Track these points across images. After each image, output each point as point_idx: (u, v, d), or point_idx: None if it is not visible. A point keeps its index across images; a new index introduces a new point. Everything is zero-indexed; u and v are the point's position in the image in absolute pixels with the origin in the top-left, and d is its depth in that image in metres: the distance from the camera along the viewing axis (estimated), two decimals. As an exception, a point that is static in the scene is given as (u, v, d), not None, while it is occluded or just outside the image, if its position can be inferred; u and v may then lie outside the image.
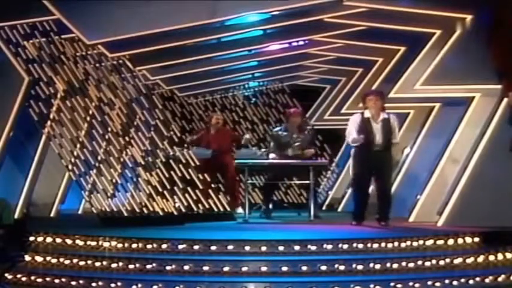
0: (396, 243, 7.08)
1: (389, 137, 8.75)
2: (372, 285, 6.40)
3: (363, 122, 8.79)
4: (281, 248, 6.91)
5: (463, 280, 6.67)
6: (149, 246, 7.06)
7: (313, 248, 6.95)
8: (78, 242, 7.37)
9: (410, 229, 8.27)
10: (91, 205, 9.29)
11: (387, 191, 8.85)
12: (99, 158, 9.32)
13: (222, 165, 10.91)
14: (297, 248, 6.92)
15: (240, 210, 10.63)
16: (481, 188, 8.64)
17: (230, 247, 6.93)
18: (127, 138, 9.42)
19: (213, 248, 6.94)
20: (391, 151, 8.87)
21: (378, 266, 6.68)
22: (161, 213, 9.09)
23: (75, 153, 9.36)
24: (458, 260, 6.97)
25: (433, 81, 9.34)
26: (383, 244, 7.05)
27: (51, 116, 9.57)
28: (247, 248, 6.91)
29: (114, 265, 6.82)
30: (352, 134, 8.84)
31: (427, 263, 6.85)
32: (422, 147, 10.27)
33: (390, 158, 8.90)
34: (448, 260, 6.93)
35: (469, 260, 7.02)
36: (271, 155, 10.29)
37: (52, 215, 11.00)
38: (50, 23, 9.86)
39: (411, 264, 6.78)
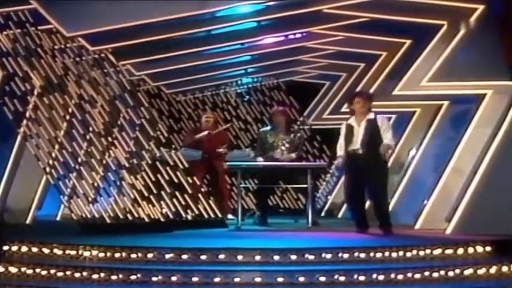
0: (401, 253, 7.07)
1: (374, 139, 8.65)
2: (374, 298, 6.41)
3: (347, 130, 8.84)
4: (276, 257, 6.89)
5: (473, 292, 6.67)
6: (134, 255, 7.04)
7: (311, 257, 6.93)
8: (56, 251, 7.33)
9: (416, 237, 8.29)
10: (70, 211, 9.26)
11: (379, 196, 8.79)
12: (79, 160, 9.31)
13: (213, 168, 10.89)
14: (293, 257, 6.90)
15: (231, 216, 10.60)
16: (493, 192, 8.65)
17: (221, 256, 6.91)
18: (110, 139, 9.41)
19: (203, 257, 6.92)
20: (380, 154, 8.67)
21: (381, 277, 6.64)
22: (147, 220, 9.10)
23: (53, 155, 9.36)
24: (468, 271, 6.92)
25: (441, 77, 9.35)
26: (387, 253, 7.04)
27: (27, 115, 9.57)
28: (240, 257, 6.90)
29: (95, 276, 6.76)
30: (341, 148, 8.89)
31: (435, 274, 6.79)
32: (429, 148, 10.30)
33: (379, 161, 8.75)
34: (457, 271, 6.87)
35: (481, 271, 6.97)
36: (259, 158, 10.24)
37: (28, 221, 10.94)
38: (25, 13, 9.83)
39: (417, 276, 6.72)
